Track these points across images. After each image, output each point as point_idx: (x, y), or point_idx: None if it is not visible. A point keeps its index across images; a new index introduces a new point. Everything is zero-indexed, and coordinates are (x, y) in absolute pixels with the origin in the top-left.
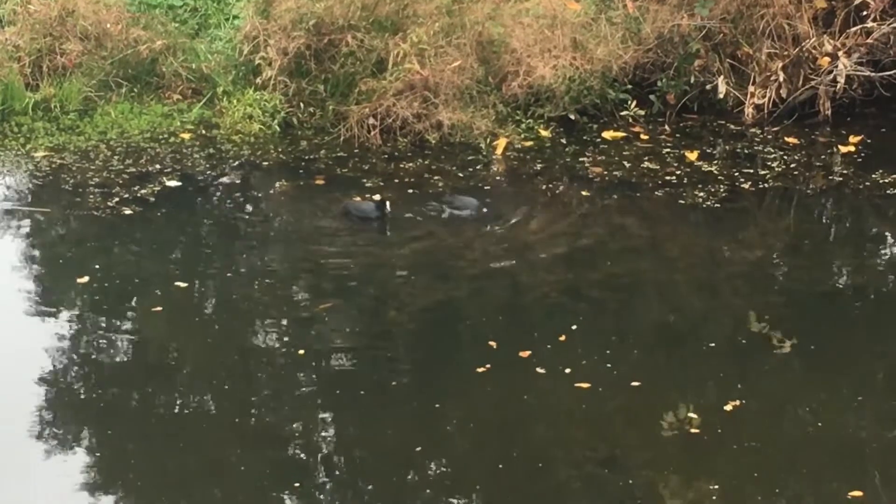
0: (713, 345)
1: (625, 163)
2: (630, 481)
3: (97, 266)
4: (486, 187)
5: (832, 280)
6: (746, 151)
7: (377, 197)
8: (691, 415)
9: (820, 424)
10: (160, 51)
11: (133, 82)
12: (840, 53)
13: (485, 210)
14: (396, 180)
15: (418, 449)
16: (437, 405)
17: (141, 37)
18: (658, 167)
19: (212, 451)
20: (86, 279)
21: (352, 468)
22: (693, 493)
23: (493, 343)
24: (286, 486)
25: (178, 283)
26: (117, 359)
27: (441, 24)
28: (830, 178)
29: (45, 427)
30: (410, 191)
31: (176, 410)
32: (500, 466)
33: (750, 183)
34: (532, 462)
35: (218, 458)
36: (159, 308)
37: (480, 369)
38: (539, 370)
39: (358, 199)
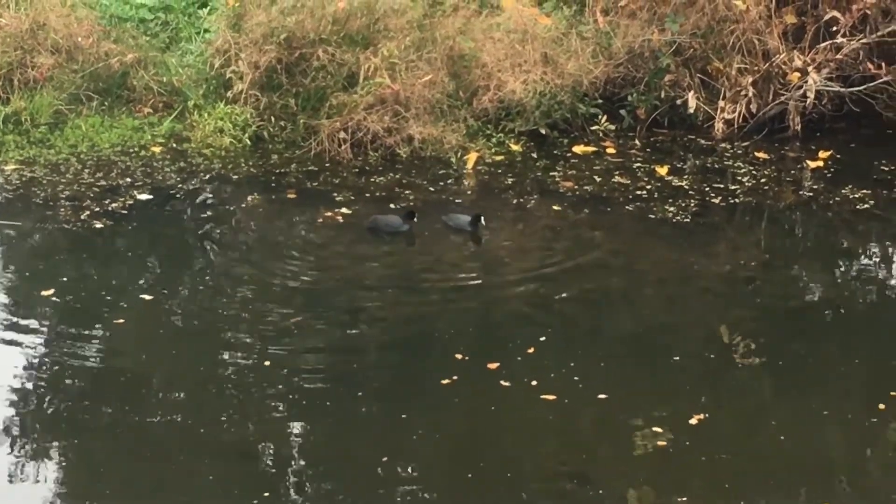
0: (682, 358)
1: (595, 177)
2: (600, 492)
3: (65, 279)
4: (457, 201)
5: (802, 294)
6: (717, 166)
7: (349, 208)
8: (657, 428)
9: (789, 437)
10: (131, 64)
11: (104, 96)
12: (810, 69)
13: (482, 223)
14: (367, 194)
15: (385, 459)
16: (403, 416)
17: (112, 50)
18: (629, 182)
19: (180, 461)
20: (51, 291)
21: (319, 478)
22: None
23: (462, 356)
24: (255, 495)
25: (143, 296)
26: (81, 371)
27: (412, 38)
28: (800, 192)
29: (11, 440)
30: (392, 205)
31: (142, 422)
32: (469, 476)
33: (720, 198)
34: (500, 473)
35: (186, 468)
36: (122, 320)
37: (448, 381)
38: (507, 382)
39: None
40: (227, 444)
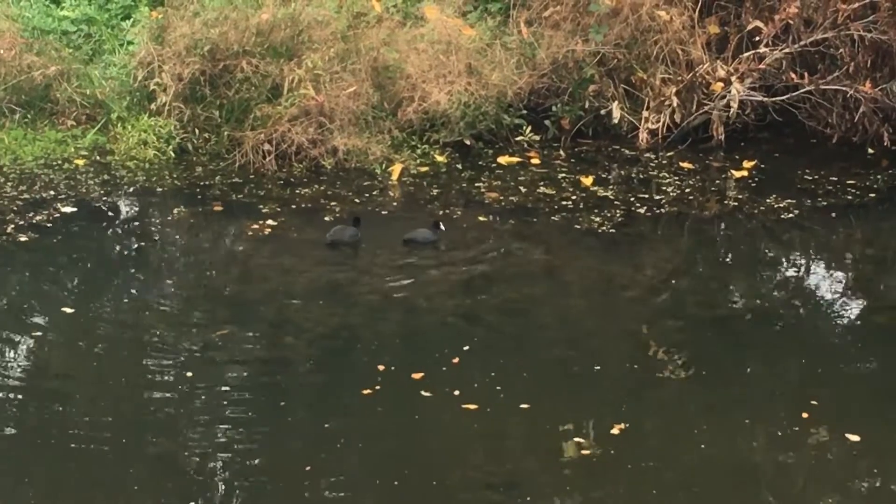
0: (606, 368)
1: (520, 188)
2: (528, 499)
3: None
4: (383, 212)
5: (726, 304)
6: (641, 176)
7: (275, 220)
8: (580, 438)
9: (713, 446)
10: (54, 77)
11: (27, 108)
12: (733, 79)
13: (442, 228)
14: (293, 206)
15: (309, 469)
16: (327, 425)
17: (35, 63)
18: (554, 192)
19: (105, 474)
20: None
21: (245, 489)
22: None
23: (386, 366)
24: None
25: (65, 309)
26: (3, 384)
27: (336, 49)
28: (725, 202)
29: None
30: (327, 218)
31: (66, 435)
32: (396, 484)
33: (645, 208)
34: (426, 481)
35: (112, 480)
36: (41, 333)
37: (372, 391)
38: (429, 392)
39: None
40: (153, 455)
